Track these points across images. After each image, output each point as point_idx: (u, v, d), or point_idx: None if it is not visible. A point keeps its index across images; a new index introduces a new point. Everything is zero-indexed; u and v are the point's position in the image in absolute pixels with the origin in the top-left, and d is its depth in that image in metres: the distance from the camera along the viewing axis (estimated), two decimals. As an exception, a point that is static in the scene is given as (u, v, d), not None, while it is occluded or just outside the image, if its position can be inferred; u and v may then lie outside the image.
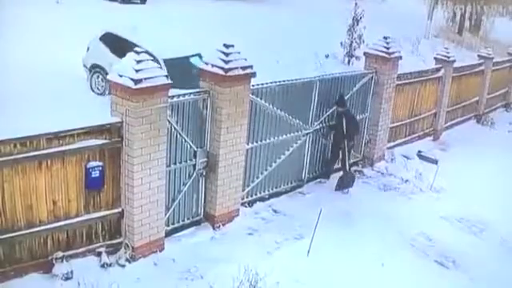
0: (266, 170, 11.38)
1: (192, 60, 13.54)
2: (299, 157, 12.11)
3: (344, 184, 12.42)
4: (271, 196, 11.63)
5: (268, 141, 11.18)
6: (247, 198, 11.15)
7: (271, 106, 10.93)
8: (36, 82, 13.81)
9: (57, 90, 13.42)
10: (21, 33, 16.75)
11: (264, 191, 11.55)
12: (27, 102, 12.21)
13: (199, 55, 13.52)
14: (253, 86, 10.29)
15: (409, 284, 9.31)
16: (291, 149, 11.78)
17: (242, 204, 10.90)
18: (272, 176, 11.57)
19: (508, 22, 39.98)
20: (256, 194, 11.38)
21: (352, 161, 13.14)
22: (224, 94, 9.64)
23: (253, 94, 10.38)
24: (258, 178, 11.25)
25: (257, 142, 10.95)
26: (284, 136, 11.49)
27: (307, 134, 12.01)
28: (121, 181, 8.74)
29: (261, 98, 10.67)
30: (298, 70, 18.28)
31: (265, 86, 10.70)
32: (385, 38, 13.74)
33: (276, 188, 11.78)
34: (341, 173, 12.57)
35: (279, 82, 11.01)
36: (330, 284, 8.97)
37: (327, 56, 21.97)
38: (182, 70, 12.12)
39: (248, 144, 10.64)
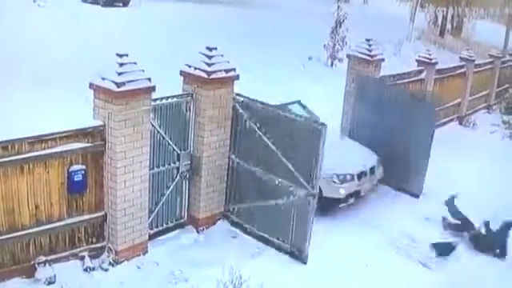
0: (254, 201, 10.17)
1: (292, 108, 11.24)
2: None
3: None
4: (257, 238, 10.15)
5: (255, 169, 10.01)
6: (236, 217, 10.47)
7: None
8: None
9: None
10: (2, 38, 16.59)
11: (252, 225, 10.24)
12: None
13: (299, 102, 12.35)
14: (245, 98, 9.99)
15: (393, 284, 9.34)
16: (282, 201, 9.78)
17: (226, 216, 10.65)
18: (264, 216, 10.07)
19: (489, 25, 40.31)
20: (241, 220, 10.37)
21: None
22: (207, 97, 9.64)
23: (250, 120, 9.93)
24: (244, 202, 10.34)
25: (246, 162, 10.14)
26: (275, 178, 9.77)
27: (309, 195, 9.45)
28: (104, 184, 8.71)
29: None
30: (282, 73, 18.42)
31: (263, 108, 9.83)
32: (367, 40, 13.82)
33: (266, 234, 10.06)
34: None
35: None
36: (314, 285, 8.98)
37: (310, 58, 22.01)
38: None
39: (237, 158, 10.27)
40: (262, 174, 9.96)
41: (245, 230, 10.35)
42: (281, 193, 9.77)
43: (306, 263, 9.61)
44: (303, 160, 9.42)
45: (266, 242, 10.06)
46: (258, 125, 9.90)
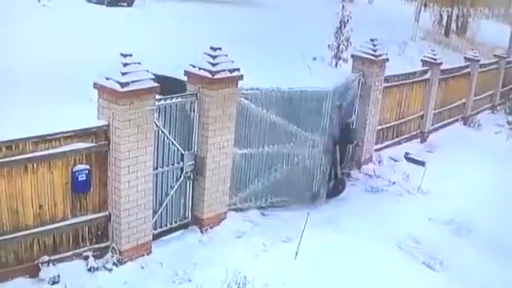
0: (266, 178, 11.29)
1: None
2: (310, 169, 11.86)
3: (336, 191, 12.43)
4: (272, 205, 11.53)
5: (267, 148, 11.12)
6: (240, 204, 11.06)
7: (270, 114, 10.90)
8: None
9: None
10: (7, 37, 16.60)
11: (265, 200, 11.44)
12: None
13: None
14: (249, 90, 10.48)
15: (396, 285, 9.31)
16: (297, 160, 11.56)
17: (233, 209, 10.84)
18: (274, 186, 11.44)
19: (494, 24, 40.25)
20: (253, 201, 11.30)
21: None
22: (211, 97, 9.63)
23: (246, 99, 10.49)
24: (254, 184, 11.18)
25: (252, 147, 10.93)
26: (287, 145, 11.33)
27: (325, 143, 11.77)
28: (108, 184, 8.71)
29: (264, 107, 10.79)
30: (286, 73, 18.36)
31: (266, 91, 10.74)
32: (372, 40, 13.79)
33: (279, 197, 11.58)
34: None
35: (285, 89, 10.97)
36: (318, 286, 8.96)
37: (315, 58, 21.96)
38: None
39: (240, 149, 10.66)
40: (275, 148, 11.18)
41: (261, 207, 11.33)
42: (296, 155, 11.47)
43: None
44: (316, 121, 11.53)
45: (287, 204, 11.52)
46: (266, 109, 10.79)
